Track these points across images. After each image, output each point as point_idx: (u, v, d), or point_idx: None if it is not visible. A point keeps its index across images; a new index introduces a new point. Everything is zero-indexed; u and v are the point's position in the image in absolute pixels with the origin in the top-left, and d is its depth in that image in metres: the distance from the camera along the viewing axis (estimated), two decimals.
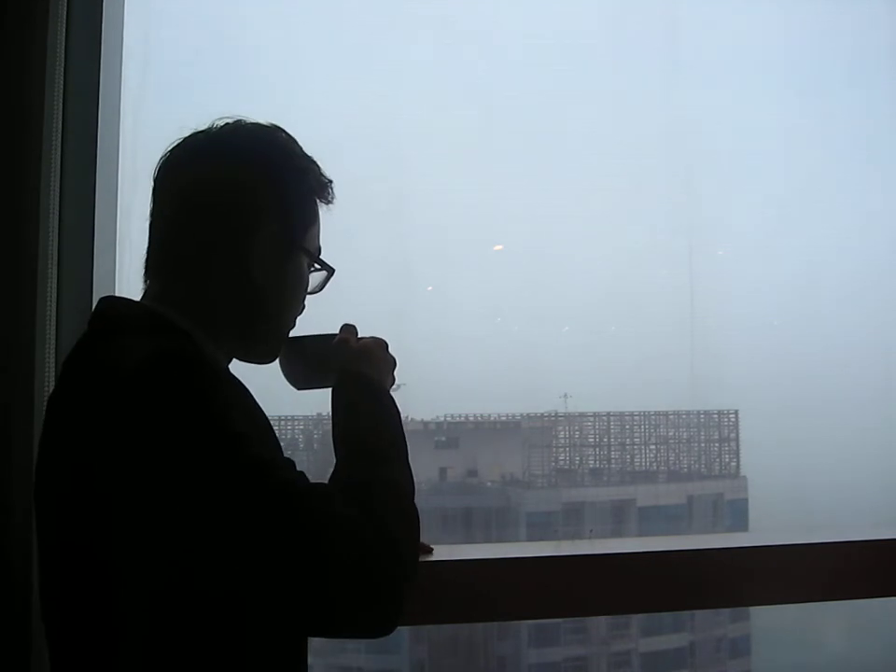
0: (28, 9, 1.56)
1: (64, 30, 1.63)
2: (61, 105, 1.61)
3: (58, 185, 1.59)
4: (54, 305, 1.59)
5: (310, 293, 1.31)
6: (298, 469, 1.07)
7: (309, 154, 1.29)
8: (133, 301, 1.21)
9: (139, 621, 1.03)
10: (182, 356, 1.07)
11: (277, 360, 1.33)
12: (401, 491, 1.16)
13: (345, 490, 1.10)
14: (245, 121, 1.26)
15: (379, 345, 1.35)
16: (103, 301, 1.22)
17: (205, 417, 1.02)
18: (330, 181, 1.30)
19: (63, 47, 1.62)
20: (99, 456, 1.02)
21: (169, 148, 1.25)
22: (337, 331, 1.37)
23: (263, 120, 1.27)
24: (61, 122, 1.61)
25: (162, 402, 1.01)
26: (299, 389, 1.34)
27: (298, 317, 1.31)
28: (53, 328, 1.58)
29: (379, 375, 1.30)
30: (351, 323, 1.36)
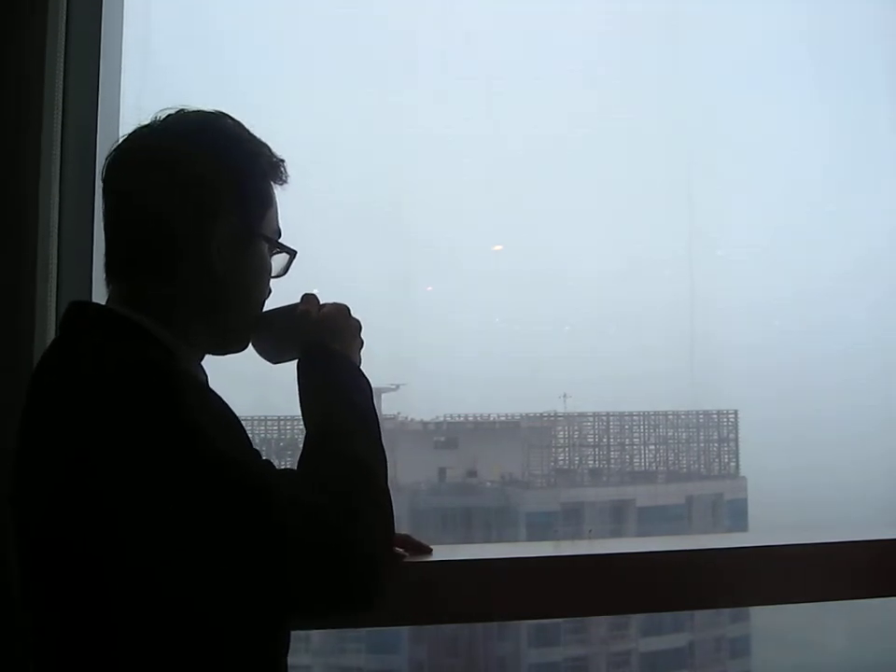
0: (27, 10, 1.56)
1: (64, 30, 1.62)
2: (60, 104, 1.61)
3: (57, 185, 1.59)
4: (53, 305, 1.58)
5: (274, 277, 1.28)
6: (263, 458, 1.07)
7: (258, 136, 1.24)
8: (102, 305, 1.19)
9: (112, 617, 1.02)
10: (151, 363, 1.06)
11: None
12: (370, 470, 1.14)
13: (313, 475, 1.09)
14: (188, 110, 1.22)
15: (340, 311, 1.29)
16: (73, 305, 1.20)
17: (174, 421, 1.01)
18: (282, 160, 1.25)
19: (63, 47, 1.62)
20: (69, 465, 1.02)
21: (114, 147, 1.21)
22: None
23: (207, 107, 1.23)
24: (60, 122, 1.61)
25: (132, 410, 1.01)
26: (274, 364, 1.31)
27: (265, 302, 1.28)
28: (53, 328, 1.58)
29: (343, 344, 1.26)
30: (311, 292, 1.31)
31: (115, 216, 1.20)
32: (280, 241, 1.28)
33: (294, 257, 1.28)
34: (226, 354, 1.27)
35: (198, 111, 1.22)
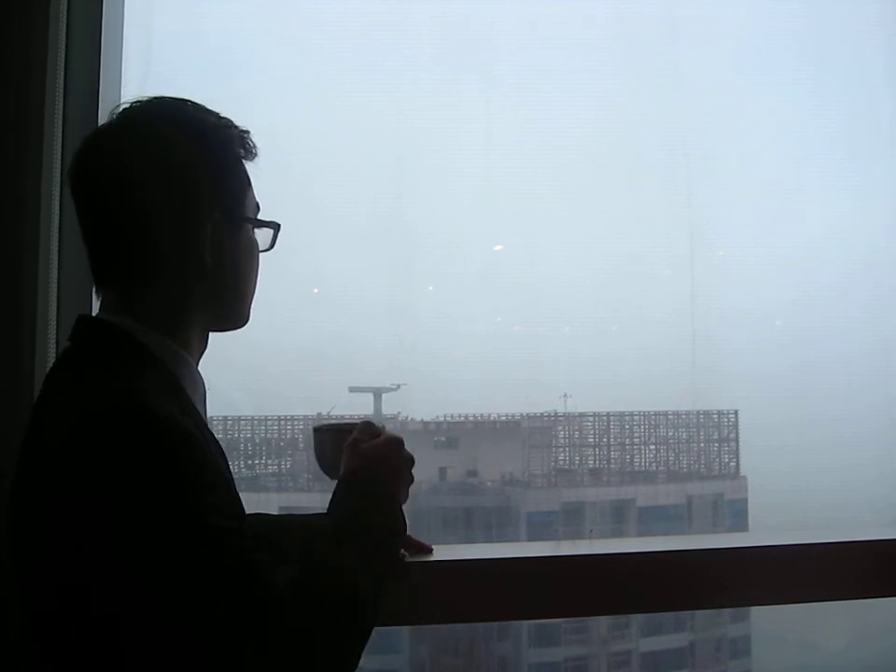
0: (29, 11, 1.56)
1: (65, 30, 1.63)
2: (61, 105, 1.61)
3: (58, 187, 1.59)
4: (55, 309, 1.58)
5: (262, 251, 1.29)
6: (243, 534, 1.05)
7: (222, 115, 1.23)
8: (108, 320, 1.17)
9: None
10: (147, 413, 1.02)
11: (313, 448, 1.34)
12: (360, 609, 1.11)
13: (305, 595, 1.07)
14: (145, 101, 1.20)
15: (391, 444, 1.27)
16: (81, 320, 1.19)
17: (168, 483, 1.00)
18: (247, 132, 1.24)
19: (64, 47, 1.62)
20: (57, 507, 1.00)
21: (78, 152, 1.19)
22: (357, 418, 1.34)
23: (169, 95, 1.22)
24: (61, 123, 1.61)
25: (124, 461, 0.99)
26: (332, 479, 1.30)
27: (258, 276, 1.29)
28: (54, 330, 1.58)
29: (386, 479, 1.23)
30: (369, 421, 1.30)
31: (93, 223, 1.18)
32: (260, 218, 1.27)
33: (278, 229, 1.27)
34: (226, 331, 1.28)
35: (157, 98, 1.20)
